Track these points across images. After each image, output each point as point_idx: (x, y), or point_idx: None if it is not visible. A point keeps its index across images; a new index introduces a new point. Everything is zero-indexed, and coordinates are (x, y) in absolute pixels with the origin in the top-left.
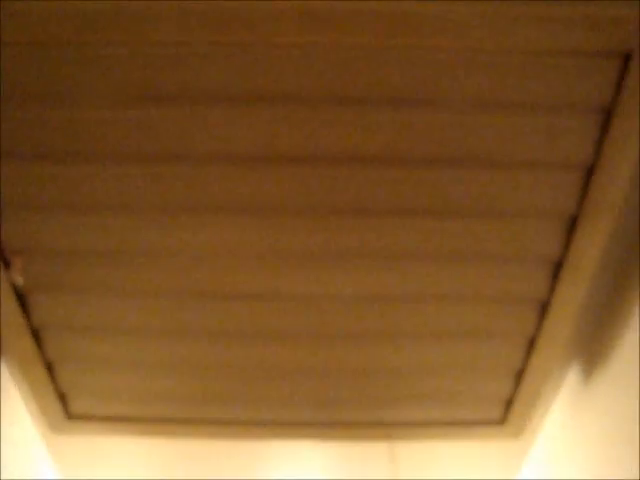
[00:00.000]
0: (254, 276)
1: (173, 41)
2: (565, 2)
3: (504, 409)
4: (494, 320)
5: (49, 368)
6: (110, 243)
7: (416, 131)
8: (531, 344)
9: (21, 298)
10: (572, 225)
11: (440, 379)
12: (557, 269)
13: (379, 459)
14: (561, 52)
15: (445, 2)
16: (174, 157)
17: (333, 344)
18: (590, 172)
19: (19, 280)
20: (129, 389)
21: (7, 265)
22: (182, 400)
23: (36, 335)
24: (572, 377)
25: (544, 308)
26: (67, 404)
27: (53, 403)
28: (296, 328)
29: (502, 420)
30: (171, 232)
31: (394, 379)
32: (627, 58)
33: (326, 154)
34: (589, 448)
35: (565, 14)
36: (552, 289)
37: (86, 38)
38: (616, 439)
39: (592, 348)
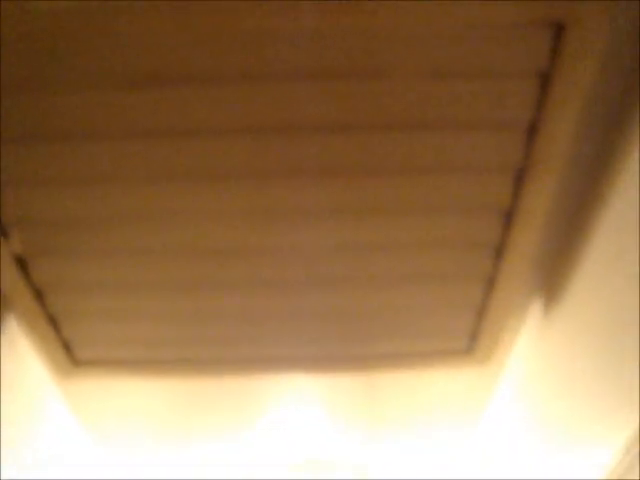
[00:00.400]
0: (244, 231)
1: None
2: None
3: (471, 340)
4: (453, 263)
5: (53, 321)
6: (103, 210)
7: (374, 100)
8: (491, 283)
9: (22, 262)
10: (520, 177)
11: (413, 316)
12: (509, 218)
13: (358, 389)
14: (502, 25)
15: None
16: (165, 132)
17: (315, 290)
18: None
19: (18, 248)
20: (130, 336)
21: (6, 235)
22: (182, 343)
23: (38, 293)
24: (535, 308)
25: (498, 252)
26: (72, 352)
27: (59, 351)
28: (282, 276)
29: (468, 350)
30: (164, 197)
31: (369, 318)
32: (560, 27)
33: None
34: (553, 372)
35: None
36: (506, 235)
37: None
38: (577, 362)
39: (550, 282)
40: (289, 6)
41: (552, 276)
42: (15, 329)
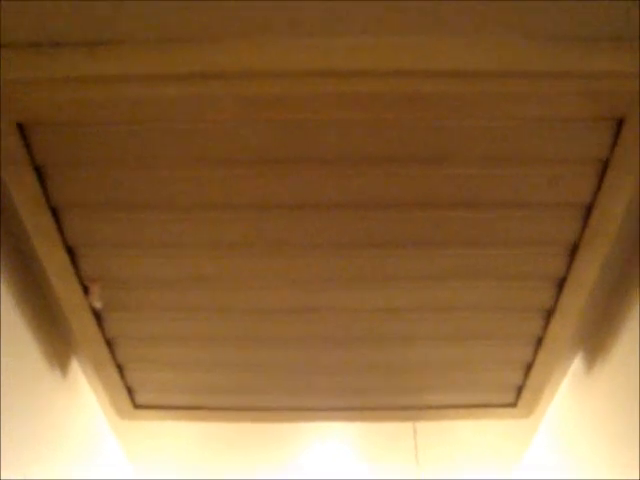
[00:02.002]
0: (298, 294)
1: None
2: (570, 78)
3: (516, 394)
4: (507, 324)
5: (119, 368)
6: (171, 272)
7: (451, 181)
8: (539, 342)
9: (97, 315)
10: (574, 250)
11: (460, 372)
12: (561, 286)
13: (404, 438)
14: (567, 119)
15: (469, 83)
16: (227, 206)
17: (365, 346)
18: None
19: (98, 304)
20: (184, 384)
21: (86, 290)
22: (229, 391)
23: (109, 343)
24: (576, 366)
25: (549, 315)
26: (133, 396)
27: (122, 395)
28: (333, 334)
29: (514, 403)
30: (222, 263)
31: (419, 372)
32: (620, 122)
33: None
34: (589, 427)
35: (569, 89)
36: (557, 300)
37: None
38: (614, 421)
39: (594, 341)
40: (369, 100)
41: (596, 338)
42: (77, 373)
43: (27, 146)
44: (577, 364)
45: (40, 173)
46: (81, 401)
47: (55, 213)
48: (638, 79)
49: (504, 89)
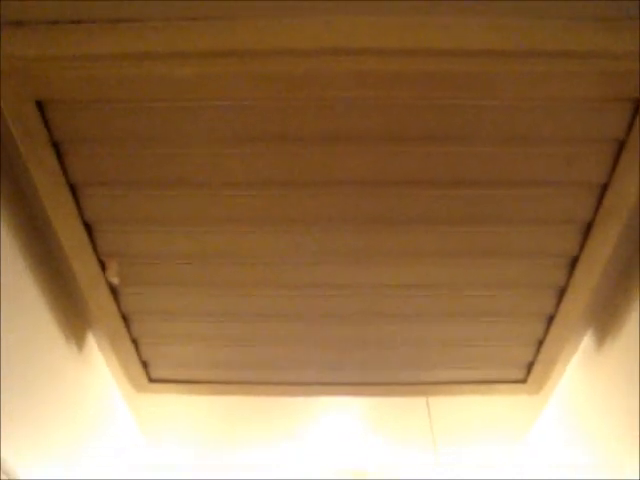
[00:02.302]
0: (305, 269)
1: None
2: (587, 58)
3: (526, 370)
4: (520, 302)
5: (135, 343)
6: (188, 248)
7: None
8: (550, 319)
9: (113, 291)
10: (588, 229)
11: (473, 348)
12: (574, 264)
13: (419, 412)
14: (584, 99)
15: (485, 62)
16: (251, 183)
17: (378, 322)
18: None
19: (115, 280)
20: (198, 358)
21: (103, 266)
22: (242, 366)
23: (125, 318)
24: (586, 343)
25: (561, 293)
26: (148, 370)
27: (137, 369)
28: (347, 310)
29: (524, 379)
30: (240, 239)
31: (433, 349)
32: (637, 103)
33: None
34: (598, 403)
35: (586, 69)
36: (569, 278)
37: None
38: (623, 397)
39: (604, 319)
40: (387, 79)
41: (606, 315)
42: (93, 347)
43: (45, 123)
44: (587, 341)
45: (58, 150)
46: (96, 374)
47: (73, 190)
48: None
49: (522, 68)
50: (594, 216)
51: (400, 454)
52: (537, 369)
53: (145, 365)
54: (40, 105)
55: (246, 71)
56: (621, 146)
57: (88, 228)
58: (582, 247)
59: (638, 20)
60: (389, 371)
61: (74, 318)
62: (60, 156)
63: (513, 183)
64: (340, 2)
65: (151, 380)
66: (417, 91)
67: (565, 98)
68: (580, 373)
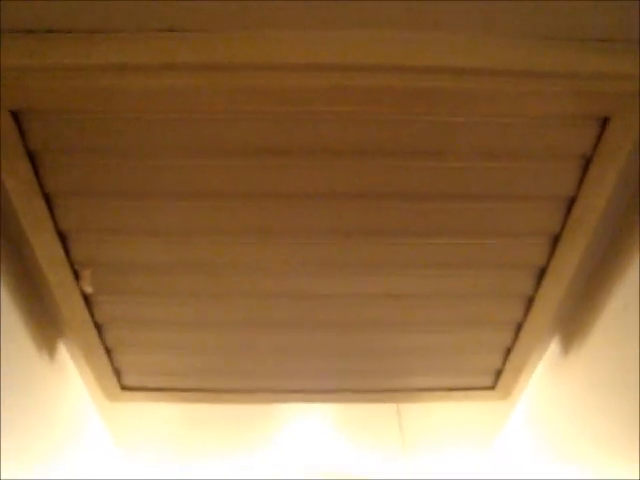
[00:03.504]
0: (279, 279)
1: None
2: (560, 79)
3: (495, 377)
4: (489, 310)
5: (108, 351)
6: (163, 258)
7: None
8: (519, 327)
9: (87, 299)
10: (556, 241)
11: (444, 356)
12: (542, 274)
13: (388, 418)
14: (556, 116)
15: (461, 79)
16: (225, 194)
17: (350, 331)
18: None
19: (88, 289)
20: (171, 367)
21: (77, 275)
22: (215, 374)
23: (98, 327)
24: (553, 350)
25: (529, 301)
26: (121, 378)
27: (109, 378)
28: (319, 319)
29: (493, 386)
30: (215, 249)
31: (403, 357)
32: (605, 120)
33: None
34: (564, 408)
35: (561, 88)
36: (538, 288)
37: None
38: (588, 402)
39: (571, 326)
40: (365, 95)
41: (572, 323)
42: (65, 356)
43: (21, 133)
44: (554, 348)
45: (33, 160)
46: (68, 384)
47: (47, 199)
48: (626, 80)
49: (496, 87)
50: (562, 228)
51: (370, 460)
52: (505, 376)
53: (118, 373)
54: (15, 115)
55: (227, 85)
56: (588, 161)
57: (62, 237)
58: (550, 258)
59: (610, 42)
60: (360, 379)
61: (46, 327)
62: (35, 166)
63: (485, 197)
64: (324, 17)
65: (123, 388)
66: (397, 107)
67: (537, 116)
68: (546, 379)
